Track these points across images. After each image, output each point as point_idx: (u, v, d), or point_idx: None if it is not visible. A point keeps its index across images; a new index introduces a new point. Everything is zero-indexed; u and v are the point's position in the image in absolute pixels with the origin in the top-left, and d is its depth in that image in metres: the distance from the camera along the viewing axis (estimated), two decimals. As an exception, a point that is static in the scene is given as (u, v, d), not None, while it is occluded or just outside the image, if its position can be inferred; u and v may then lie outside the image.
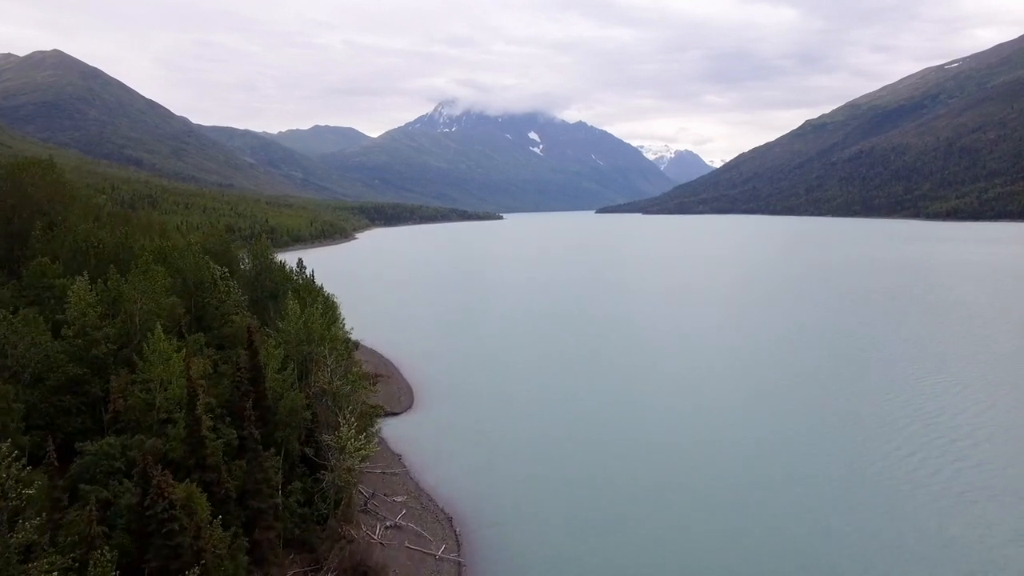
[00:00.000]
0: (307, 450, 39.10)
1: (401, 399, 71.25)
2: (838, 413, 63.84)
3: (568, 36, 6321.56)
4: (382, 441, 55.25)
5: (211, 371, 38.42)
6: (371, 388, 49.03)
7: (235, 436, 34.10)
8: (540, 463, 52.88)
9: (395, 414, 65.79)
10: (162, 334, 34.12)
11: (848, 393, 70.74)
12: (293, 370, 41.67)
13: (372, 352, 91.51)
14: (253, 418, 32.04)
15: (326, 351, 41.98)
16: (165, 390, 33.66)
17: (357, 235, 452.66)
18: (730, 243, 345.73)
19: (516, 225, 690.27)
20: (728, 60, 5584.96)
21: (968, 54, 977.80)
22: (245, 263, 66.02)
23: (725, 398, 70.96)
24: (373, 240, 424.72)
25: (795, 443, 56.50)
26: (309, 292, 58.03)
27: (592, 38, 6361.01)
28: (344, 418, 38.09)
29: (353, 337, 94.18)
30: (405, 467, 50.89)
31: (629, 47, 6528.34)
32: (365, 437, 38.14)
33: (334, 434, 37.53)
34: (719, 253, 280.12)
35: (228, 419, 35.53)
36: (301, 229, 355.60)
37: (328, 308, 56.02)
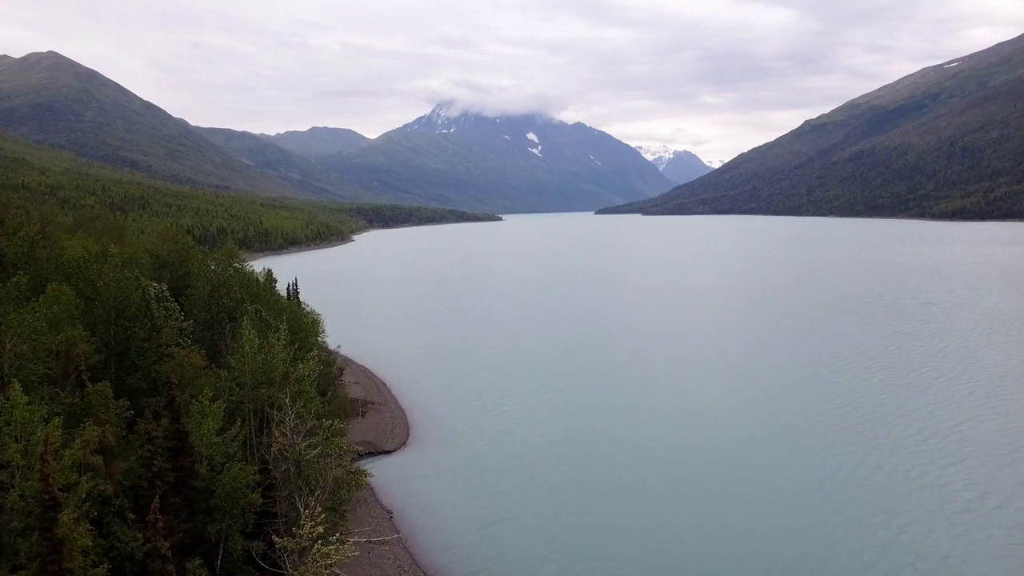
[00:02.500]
0: (256, 545, 28.47)
1: (395, 431, 60.46)
2: (839, 414, 62.76)
3: (562, 37, 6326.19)
4: (370, 493, 45.32)
5: (122, 436, 28.07)
6: (351, 448, 36.86)
7: (139, 545, 23.54)
8: (563, 516, 43.13)
9: (387, 452, 55.47)
10: (21, 396, 22.92)
11: (850, 395, 69.20)
12: (244, 426, 32.17)
13: (363, 371, 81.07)
14: (161, 524, 22.13)
15: (287, 399, 31.68)
16: (25, 480, 22.22)
17: (354, 237, 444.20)
18: (736, 244, 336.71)
19: (516, 227, 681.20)
20: (723, 61, 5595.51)
21: (965, 54, 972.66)
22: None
23: (747, 410, 66.30)
24: (370, 242, 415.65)
25: (796, 444, 56.34)
26: (278, 311, 46.94)
27: (587, 39, 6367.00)
28: (308, 507, 27.44)
29: (343, 353, 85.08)
30: (397, 531, 40.75)
31: (624, 48, 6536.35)
32: (338, 537, 27.08)
33: (292, 529, 26.84)
34: (725, 255, 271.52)
35: (135, 516, 24.70)
36: (296, 231, 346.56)
37: (299, 331, 45.05)
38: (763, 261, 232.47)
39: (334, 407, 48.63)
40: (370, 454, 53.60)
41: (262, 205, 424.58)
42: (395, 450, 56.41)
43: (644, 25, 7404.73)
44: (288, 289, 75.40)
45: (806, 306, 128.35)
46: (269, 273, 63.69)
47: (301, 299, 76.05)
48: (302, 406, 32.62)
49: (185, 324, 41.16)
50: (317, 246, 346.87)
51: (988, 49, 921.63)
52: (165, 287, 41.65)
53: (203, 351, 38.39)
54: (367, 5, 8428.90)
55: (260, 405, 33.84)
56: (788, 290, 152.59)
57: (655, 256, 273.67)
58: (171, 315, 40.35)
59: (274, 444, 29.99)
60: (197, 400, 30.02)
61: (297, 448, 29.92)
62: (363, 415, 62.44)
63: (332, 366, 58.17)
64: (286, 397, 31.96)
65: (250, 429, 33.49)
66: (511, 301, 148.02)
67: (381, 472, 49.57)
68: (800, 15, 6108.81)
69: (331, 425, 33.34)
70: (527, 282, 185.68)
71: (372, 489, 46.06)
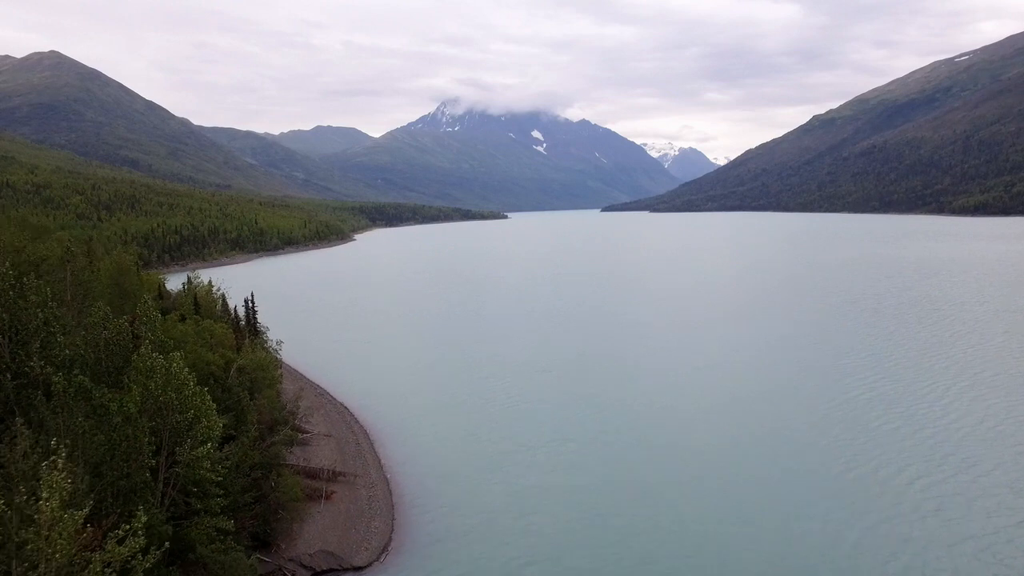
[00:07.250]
0: None
1: (371, 526, 39.91)
2: (841, 415, 60.94)
3: (566, 35, 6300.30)
4: None
5: None
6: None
7: None
8: None
9: (357, 569, 35.78)
10: None
11: (855, 397, 66.39)
12: None
13: (340, 414, 61.74)
14: None
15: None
16: None
17: (356, 236, 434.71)
18: (758, 244, 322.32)
19: (521, 225, 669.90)
20: (728, 57, 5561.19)
21: (975, 47, 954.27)
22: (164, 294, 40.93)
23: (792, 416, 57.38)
24: (372, 242, 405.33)
25: (800, 444, 54.99)
26: (146, 372, 25.95)
27: (591, 36, 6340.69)
28: None
29: (319, 384, 73.26)
30: None
31: (628, 45, 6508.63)
32: None
33: None
34: (748, 255, 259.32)
35: None
36: (294, 231, 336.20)
37: (183, 408, 26.53)
38: (794, 260, 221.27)
39: (280, 499, 34.92)
40: (332, 571, 35.83)
41: (260, 204, 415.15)
42: (369, 564, 36.40)
43: (648, 22, 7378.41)
44: (236, 311, 61.08)
45: (829, 309, 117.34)
46: (156, 294, 45.89)
47: (260, 323, 62.43)
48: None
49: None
50: (316, 246, 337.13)
51: (1000, 42, 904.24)
52: None
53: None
54: (369, 5, 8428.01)
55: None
56: (828, 291, 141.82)
57: (673, 257, 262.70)
58: None
59: None
60: None
61: None
62: (329, 497, 43.86)
63: (279, 432, 41.48)
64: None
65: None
66: (518, 302, 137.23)
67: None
68: (806, 10, 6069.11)
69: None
70: (534, 283, 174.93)
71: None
